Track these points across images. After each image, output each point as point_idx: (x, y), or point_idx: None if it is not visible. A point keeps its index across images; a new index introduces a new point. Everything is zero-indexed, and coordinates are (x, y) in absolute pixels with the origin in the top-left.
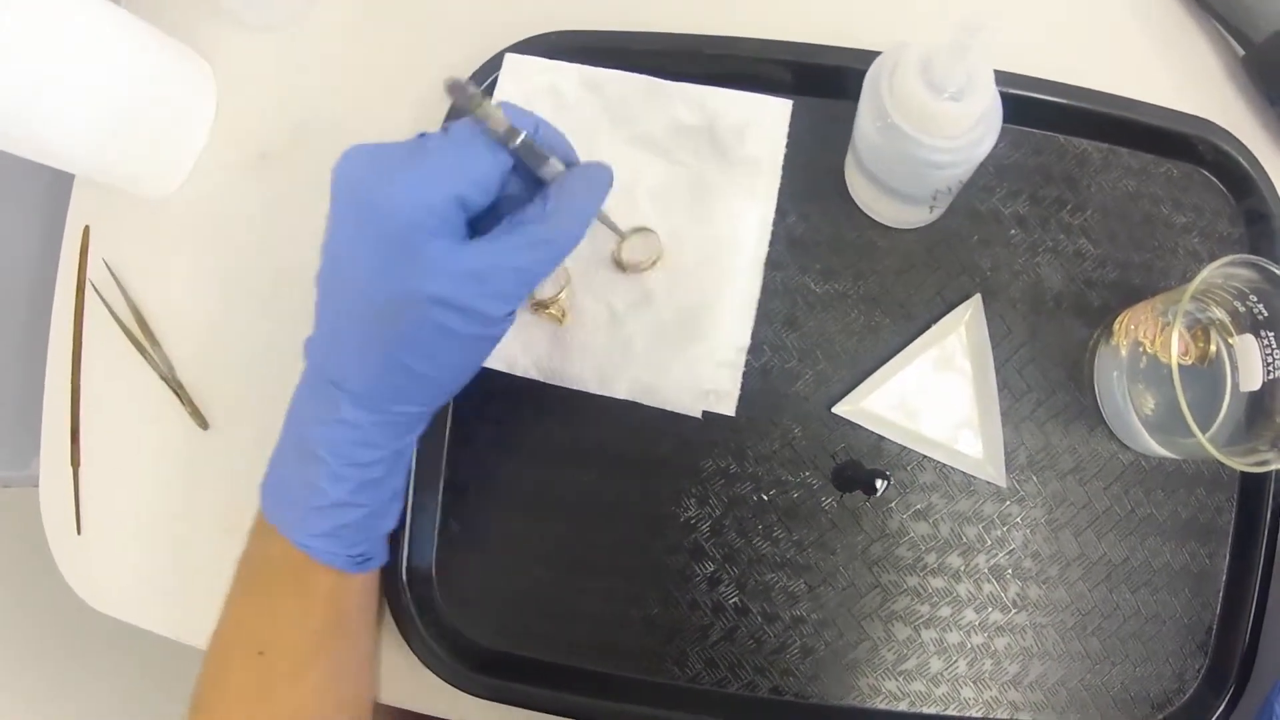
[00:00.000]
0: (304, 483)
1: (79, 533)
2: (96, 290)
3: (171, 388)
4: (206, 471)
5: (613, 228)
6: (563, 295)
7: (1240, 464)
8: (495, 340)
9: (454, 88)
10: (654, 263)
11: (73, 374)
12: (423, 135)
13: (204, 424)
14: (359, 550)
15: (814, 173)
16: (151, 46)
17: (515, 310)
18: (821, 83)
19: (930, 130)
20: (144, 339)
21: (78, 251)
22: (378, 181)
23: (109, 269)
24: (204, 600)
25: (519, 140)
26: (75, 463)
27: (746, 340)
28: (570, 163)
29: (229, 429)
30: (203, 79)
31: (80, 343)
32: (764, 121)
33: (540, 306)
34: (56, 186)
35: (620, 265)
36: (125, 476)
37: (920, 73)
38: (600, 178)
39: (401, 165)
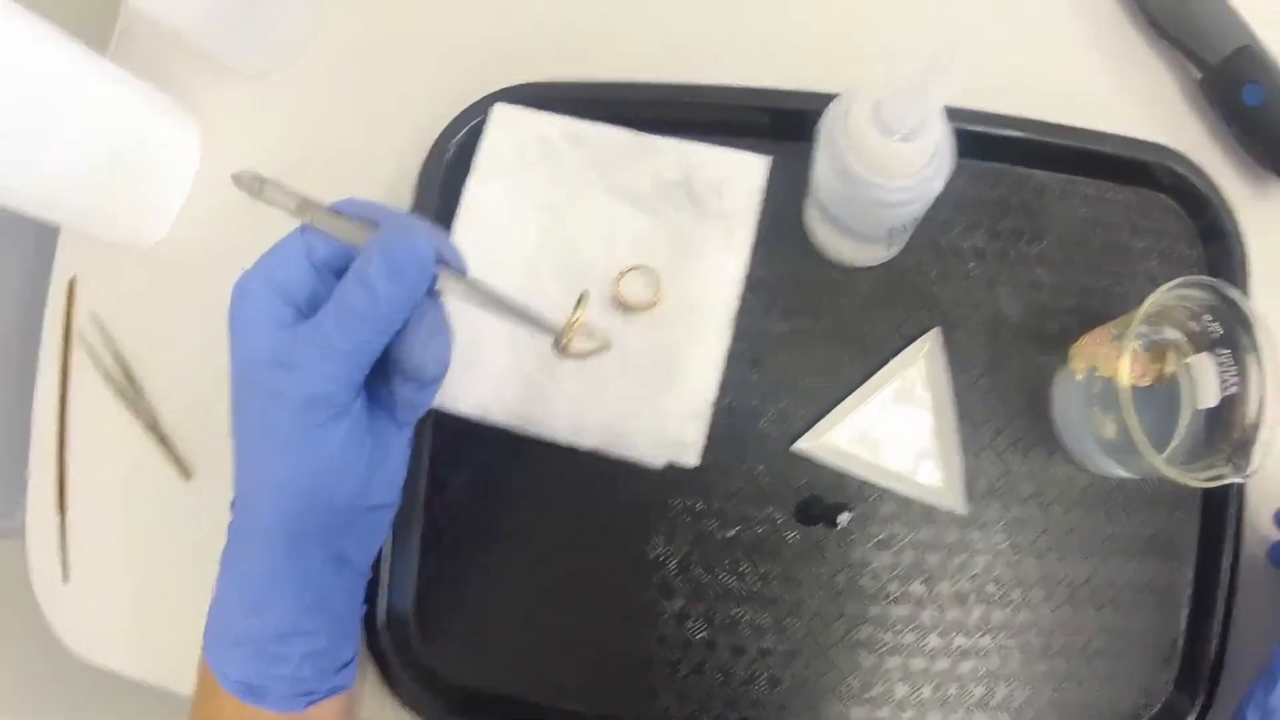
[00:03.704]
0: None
1: (65, 581)
2: (83, 340)
3: (156, 437)
4: (189, 521)
5: (525, 319)
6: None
7: (1196, 480)
8: (328, 441)
9: (239, 179)
10: (654, 303)
11: (59, 424)
12: None
13: (187, 473)
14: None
15: (775, 213)
16: (133, 96)
17: (337, 401)
18: (781, 126)
19: (883, 171)
20: (129, 389)
21: (64, 302)
22: (237, 283)
23: (95, 319)
24: (188, 648)
25: (311, 216)
26: (62, 511)
27: (714, 393)
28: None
29: (211, 479)
30: (185, 128)
31: (66, 393)
32: (741, 177)
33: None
34: (43, 238)
35: (621, 304)
36: (111, 526)
37: (872, 116)
38: (390, 242)
39: (250, 267)
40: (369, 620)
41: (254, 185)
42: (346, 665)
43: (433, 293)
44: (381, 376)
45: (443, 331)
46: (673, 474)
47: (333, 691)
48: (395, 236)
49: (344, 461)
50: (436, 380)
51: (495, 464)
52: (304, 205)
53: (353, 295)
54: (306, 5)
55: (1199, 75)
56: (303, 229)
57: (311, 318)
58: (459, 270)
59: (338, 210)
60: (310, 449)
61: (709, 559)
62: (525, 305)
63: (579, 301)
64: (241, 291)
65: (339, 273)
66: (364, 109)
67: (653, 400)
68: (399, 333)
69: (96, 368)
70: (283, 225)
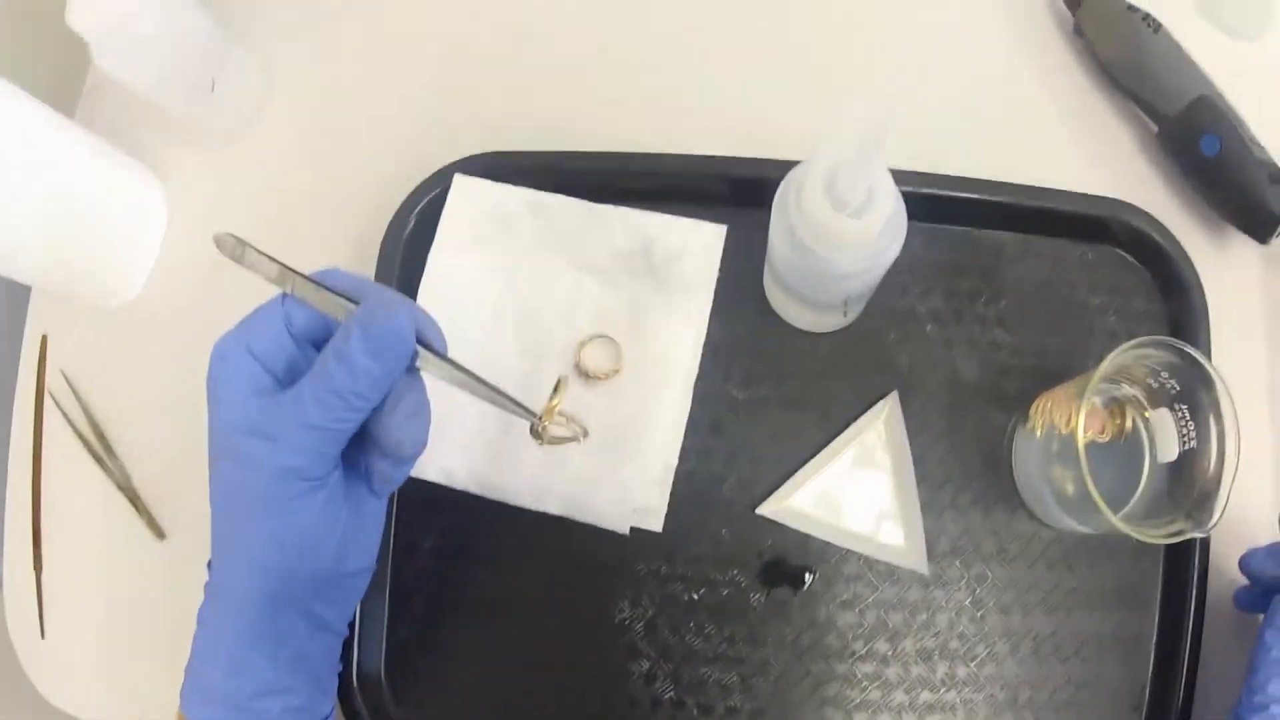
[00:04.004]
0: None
1: (43, 637)
2: (54, 400)
3: (128, 498)
4: (163, 580)
5: (502, 403)
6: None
7: (1154, 537)
8: (307, 510)
9: (220, 242)
10: (616, 372)
11: (33, 482)
12: None
13: (160, 534)
14: None
15: (734, 280)
16: (102, 159)
17: (314, 472)
18: (740, 193)
19: (836, 245)
20: (101, 449)
21: (36, 360)
22: (215, 347)
23: (66, 379)
24: (164, 700)
25: (292, 286)
26: (38, 569)
27: (676, 459)
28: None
29: (185, 538)
30: (153, 192)
31: (40, 452)
32: (699, 247)
33: (536, 436)
34: (14, 296)
35: (583, 373)
36: (86, 583)
37: (824, 191)
38: (369, 321)
39: (229, 331)
40: (343, 681)
41: (235, 249)
42: (325, 719)
43: (412, 370)
44: (359, 445)
45: (422, 412)
46: (637, 538)
47: None
48: (376, 313)
49: (319, 531)
50: (414, 458)
51: (461, 529)
52: (284, 274)
53: (331, 371)
54: (260, 70)
55: (1156, 128)
56: (283, 297)
57: (290, 388)
58: (440, 350)
59: (318, 280)
60: (285, 519)
61: (675, 621)
62: (503, 389)
63: (556, 387)
64: (221, 355)
65: (318, 344)
66: (328, 176)
67: (616, 467)
68: (378, 409)
69: (69, 427)
70: (254, 288)
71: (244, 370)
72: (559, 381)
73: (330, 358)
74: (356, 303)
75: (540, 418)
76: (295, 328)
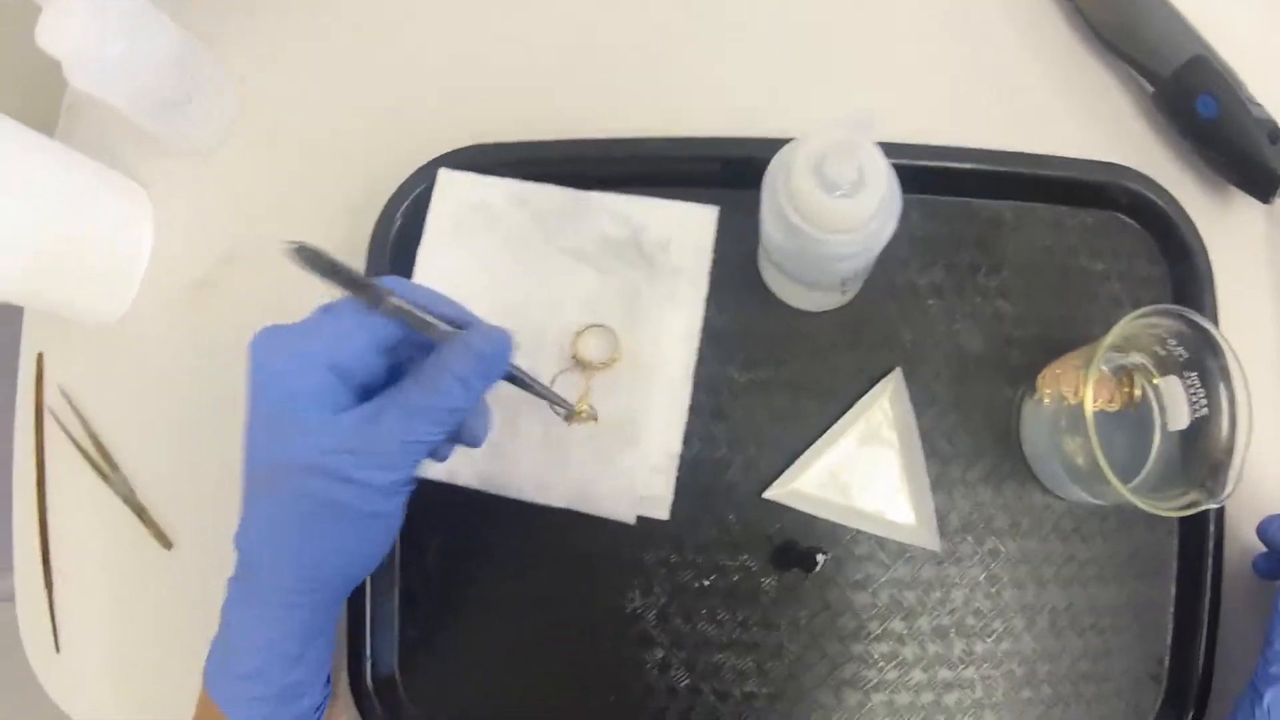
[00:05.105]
0: (223, 657)
1: (58, 651)
2: (55, 416)
3: (133, 509)
4: (172, 590)
5: (546, 397)
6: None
7: (1167, 510)
8: (388, 519)
9: (300, 254)
10: (614, 361)
11: (38, 500)
12: (320, 309)
13: (167, 544)
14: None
15: (730, 263)
16: (84, 175)
17: (407, 483)
18: (732, 174)
19: (829, 227)
20: (103, 463)
21: (34, 378)
22: (266, 358)
23: (64, 395)
24: (176, 704)
25: (385, 304)
26: (48, 585)
27: (678, 446)
28: (462, 324)
29: (191, 547)
30: (139, 203)
31: (43, 469)
32: (689, 229)
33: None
34: (7, 314)
35: (579, 363)
36: (97, 596)
37: (813, 173)
38: (483, 346)
39: (287, 340)
40: (357, 685)
41: (324, 266)
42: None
43: None
44: None
45: (490, 408)
46: (645, 527)
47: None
48: (482, 340)
49: (386, 538)
50: (479, 444)
51: (467, 527)
52: (371, 290)
53: (449, 387)
54: (235, 81)
55: (1152, 90)
56: (354, 309)
57: (383, 405)
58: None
59: (403, 295)
60: (365, 530)
61: (687, 609)
62: (543, 384)
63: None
64: (291, 370)
65: (390, 360)
66: (313, 179)
67: (618, 457)
68: None
69: (70, 443)
70: (244, 298)
71: (326, 388)
72: (586, 366)
73: (444, 377)
74: (416, 314)
75: (574, 409)
76: (367, 342)
